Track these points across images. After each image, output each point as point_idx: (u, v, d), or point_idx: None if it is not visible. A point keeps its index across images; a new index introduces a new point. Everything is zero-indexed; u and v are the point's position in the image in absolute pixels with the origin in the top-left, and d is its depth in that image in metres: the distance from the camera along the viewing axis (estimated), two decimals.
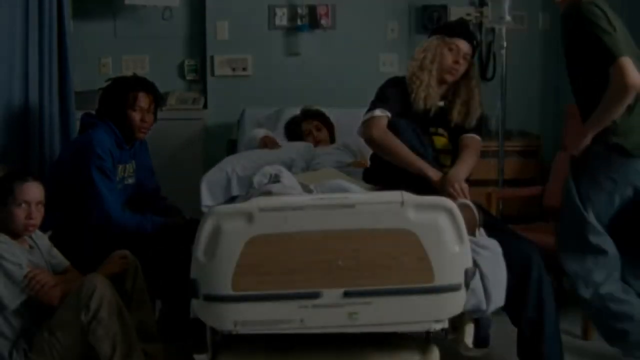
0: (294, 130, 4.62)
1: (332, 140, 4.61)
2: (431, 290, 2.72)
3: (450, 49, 3.60)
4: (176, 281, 3.56)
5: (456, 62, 3.59)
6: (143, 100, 3.84)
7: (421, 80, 3.58)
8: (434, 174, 3.39)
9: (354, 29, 5.35)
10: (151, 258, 3.56)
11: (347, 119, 4.61)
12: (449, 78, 3.61)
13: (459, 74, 3.62)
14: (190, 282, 2.74)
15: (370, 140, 3.55)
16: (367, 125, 3.55)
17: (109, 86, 3.93)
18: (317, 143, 4.48)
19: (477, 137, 3.65)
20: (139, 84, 3.89)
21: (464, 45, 3.61)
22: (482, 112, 3.72)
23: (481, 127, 3.79)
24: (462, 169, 3.44)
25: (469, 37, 3.67)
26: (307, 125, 4.56)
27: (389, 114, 3.54)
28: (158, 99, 3.95)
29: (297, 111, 4.83)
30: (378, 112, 3.55)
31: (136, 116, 3.83)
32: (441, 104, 3.65)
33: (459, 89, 3.65)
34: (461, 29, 3.69)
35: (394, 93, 3.62)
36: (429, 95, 3.58)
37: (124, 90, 3.85)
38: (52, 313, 3.08)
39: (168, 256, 3.69)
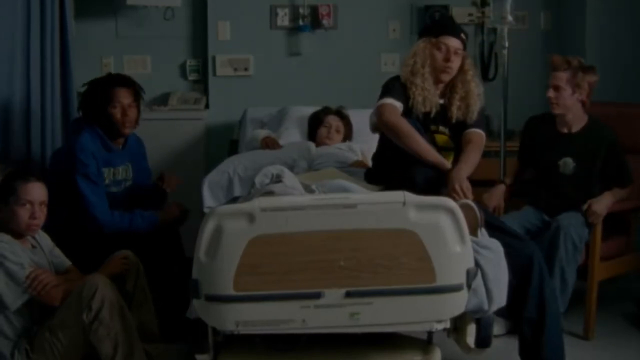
0: (317, 118, 4.59)
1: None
2: (433, 290, 2.72)
3: (439, 49, 3.56)
4: (173, 281, 3.58)
5: (447, 59, 3.55)
6: (121, 95, 3.84)
7: (416, 85, 3.54)
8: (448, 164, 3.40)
9: (355, 29, 5.34)
10: (152, 258, 3.56)
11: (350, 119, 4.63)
12: (445, 77, 3.58)
13: (453, 71, 3.58)
14: (191, 282, 2.74)
15: (386, 125, 3.47)
16: (383, 110, 3.48)
17: (87, 89, 3.93)
18: (326, 140, 4.46)
19: (481, 132, 3.61)
20: (113, 80, 3.90)
21: (452, 42, 3.56)
22: (483, 105, 3.66)
23: (484, 123, 3.73)
24: (464, 168, 3.41)
25: (455, 32, 3.61)
26: (331, 121, 4.54)
27: (401, 105, 3.51)
28: (138, 92, 3.94)
29: (299, 111, 4.83)
30: (392, 100, 3.50)
31: (117, 112, 3.82)
32: (441, 101, 3.62)
33: (456, 84, 3.60)
34: (446, 25, 3.66)
35: (399, 88, 3.59)
36: (426, 98, 3.54)
37: (100, 90, 3.85)
38: (54, 313, 3.08)
39: (165, 256, 3.70)
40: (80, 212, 3.70)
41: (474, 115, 3.60)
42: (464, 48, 3.63)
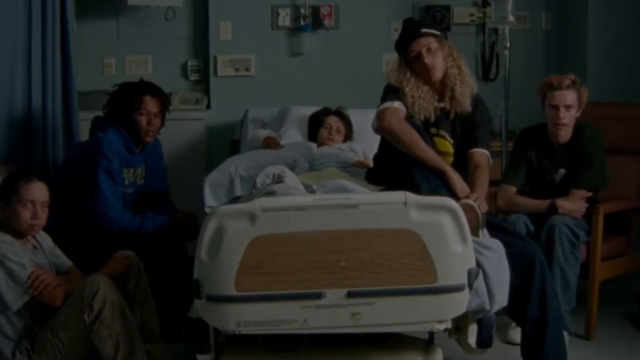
0: (317, 119, 4.59)
1: None
2: (434, 290, 2.73)
3: (412, 57, 3.50)
4: (175, 281, 3.58)
5: (424, 60, 3.47)
6: (149, 103, 3.88)
7: (407, 96, 3.49)
8: (460, 187, 3.29)
9: (356, 29, 5.34)
10: (153, 258, 3.56)
11: (350, 119, 4.63)
12: (434, 75, 3.50)
13: (438, 66, 3.50)
14: (193, 282, 2.75)
15: (387, 131, 3.39)
16: (384, 115, 3.40)
17: (116, 91, 3.96)
18: (327, 141, 4.46)
19: (486, 152, 3.55)
20: (145, 87, 3.93)
21: (418, 44, 3.48)
22: (473, 89, 3.56)
23: (488, 139, 3.65)
24: (480, 198, 3.28)
25: (415, 34, 3.51)
26: (332, 122, 4.53)
27: (402, 105, 3.45)
28: (165, 103, 3.98)
29: (300, 111, 4.83)
30: (396, 104, 3.43)
31: (143, 120, 3.87)
32: (442, 105, 3.57)
33: (445, 78, 3.54)
34: (406, 35, 3.55)
35: (399, 92, 3.55)
36: (422, 106, 3.49)
37: (130, 94, 3.89)
38: (55, 313, 3.08)
39: (167, 256, 3.70)
40: (92, 208, 3.71)
41: (465, 100, 3.51)
42: (435, 36, 3.53)
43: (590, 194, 3.92)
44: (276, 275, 2.71)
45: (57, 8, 4.34)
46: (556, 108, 3.91)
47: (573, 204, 3.85)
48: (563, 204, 3.84)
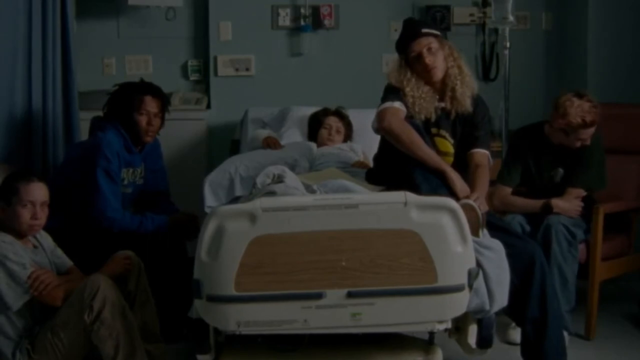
0: (316, 119, 4.60)
1: None
2: (434, 290, 2.73)
3: (413, 57, 3.50)
4: (175, 281, 3.58)
5: (425, 60, 3.47)
6: (150, 104, 3.89)
7: (408, 96, 3.49)
8: (460, 188, 3.28)
9: (357, 29, 5.34)
10: (154, 258, 3.57)
11: (350, 119, 4.63)
12: (435, 75, 3.50)
13: (439, 66, 3.50)
14: (193, 282, 2.75)
15: (387, 131, 3.38)
16: (384, 115, 3.39)
17: (116, 91, 3.97)
18: (327, 141, 4.46)
19: (487, 153, 3.55)
20: (145, 88, 3.94)
21: (419, 44, 3.48)
22: (473, 89, 3.56)
23: (489, 139, 3.66)
24: (481, 198, 3.27)
25: (415, 34, 3.51)
26: (331, 122, 4.53)
27: (405, 110, 3.44)
28: (165, 103, 3.99)
29: (300, 111, 4.83)
30: (396, 104, 3.43)
31: (143, 120, 3.88)
32: (442, 105, 3.58)
33: (446, 78, 3.53)
34: (406, 36, 3.55)
35: (400, 92, 3.55)
36: (422, 106, 3.49)
37: (130, 94, 3.89)
38: (55, 313, 3.09)
39: (168, 256, 3.71)
40: (91, 208, 3.71)
41: (466, 100, 3.51)
42: (436, 36, 3.53)
43: (585, 193, 3.93)
44: (276, 275, 2.71)
45: (58, 8, 4.34)
46: (584, 140, 3.92)
47: (568, 203, 3.87)
48: (558, 203, 3.85)
